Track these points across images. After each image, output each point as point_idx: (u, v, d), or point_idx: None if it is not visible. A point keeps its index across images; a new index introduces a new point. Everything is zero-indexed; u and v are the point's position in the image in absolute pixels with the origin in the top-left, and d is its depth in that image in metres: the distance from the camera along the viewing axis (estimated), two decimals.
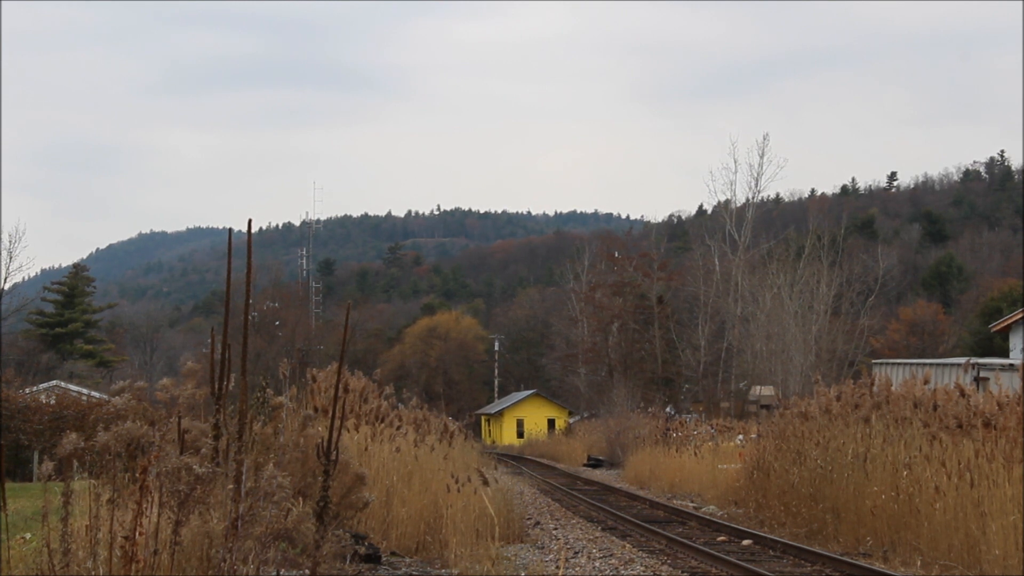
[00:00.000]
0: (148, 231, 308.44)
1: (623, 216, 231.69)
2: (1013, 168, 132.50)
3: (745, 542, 16.36)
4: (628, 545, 15.99)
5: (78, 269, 79.31)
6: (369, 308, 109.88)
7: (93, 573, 6.42)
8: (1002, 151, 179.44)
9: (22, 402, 27.28)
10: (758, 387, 44.39)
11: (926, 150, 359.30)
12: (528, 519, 19.92)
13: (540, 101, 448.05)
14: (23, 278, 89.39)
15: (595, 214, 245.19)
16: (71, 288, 73.04)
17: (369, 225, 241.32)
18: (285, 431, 10.78)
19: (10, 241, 62.15)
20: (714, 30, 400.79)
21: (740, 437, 30.77)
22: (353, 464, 11.01)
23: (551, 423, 73.74)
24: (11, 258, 54.59)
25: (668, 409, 52.92)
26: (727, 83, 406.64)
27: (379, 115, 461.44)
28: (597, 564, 13.97)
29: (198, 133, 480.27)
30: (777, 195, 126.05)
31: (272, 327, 70.56)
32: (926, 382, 16.25)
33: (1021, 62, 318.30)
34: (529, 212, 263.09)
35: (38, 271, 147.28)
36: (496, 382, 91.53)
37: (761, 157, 59.64)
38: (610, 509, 21.85)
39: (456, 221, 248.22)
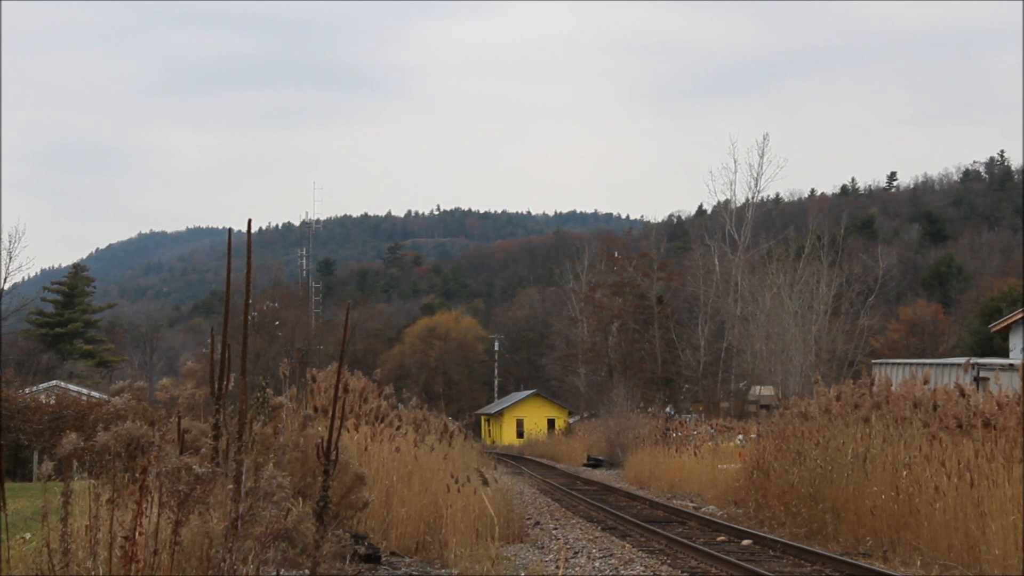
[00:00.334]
0: (148, 231, 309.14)
1: (623, 216, 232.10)
2: (1013, 168, 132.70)
3: (745, 542, 16.36)
4: (628, 545, 15.99)
5: (78, 269, 79.35)
6: (369, 308, 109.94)
7: (93, 573, 6.42)
8: (1002, 151, 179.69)
9: (22, 402, 27.27)
10: (758, 387, 44.38)
11: (926, 150, 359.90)
12: (528, 519, 19.91)
13: (540, 101, 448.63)
14: (23, 278, 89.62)
15: (595, 214, 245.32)
16: (71, 288, 73.07)
17: (369, 225, 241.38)
18: (285, 431, 10.78)
19: (10, 241, 62.43)
20: (714, 30, 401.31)
21: (740, 437, 30.76)
22: (353, 464, 11.00)
23: (551, 423, 73.74)
24: (11, 258, 54.72)
25: (668, 409, 52.91)
26: (727, 83, 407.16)
27: (379, 115, 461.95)
28: (597, 564, 13.97)
29: (198, 133, 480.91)
30: (777, 195, 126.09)
31: (272, 327, 70.60)
32: (926, 382, 16.25)
33: (1021, 62, 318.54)
34: (529, 212, 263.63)
35: (38, 271, 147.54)
36: (496, 382, 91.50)
37: (761, 157, 59.72)
38: (610, 509, 21.86)
39: (456, 221, 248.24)
